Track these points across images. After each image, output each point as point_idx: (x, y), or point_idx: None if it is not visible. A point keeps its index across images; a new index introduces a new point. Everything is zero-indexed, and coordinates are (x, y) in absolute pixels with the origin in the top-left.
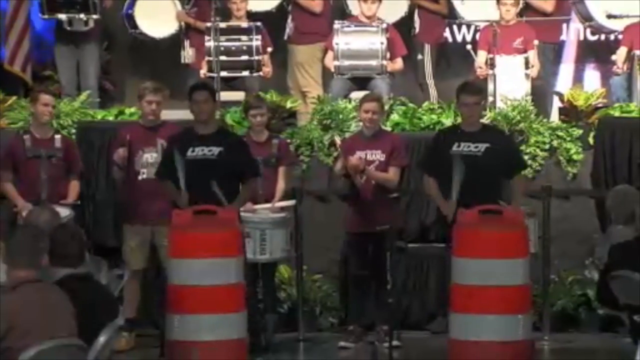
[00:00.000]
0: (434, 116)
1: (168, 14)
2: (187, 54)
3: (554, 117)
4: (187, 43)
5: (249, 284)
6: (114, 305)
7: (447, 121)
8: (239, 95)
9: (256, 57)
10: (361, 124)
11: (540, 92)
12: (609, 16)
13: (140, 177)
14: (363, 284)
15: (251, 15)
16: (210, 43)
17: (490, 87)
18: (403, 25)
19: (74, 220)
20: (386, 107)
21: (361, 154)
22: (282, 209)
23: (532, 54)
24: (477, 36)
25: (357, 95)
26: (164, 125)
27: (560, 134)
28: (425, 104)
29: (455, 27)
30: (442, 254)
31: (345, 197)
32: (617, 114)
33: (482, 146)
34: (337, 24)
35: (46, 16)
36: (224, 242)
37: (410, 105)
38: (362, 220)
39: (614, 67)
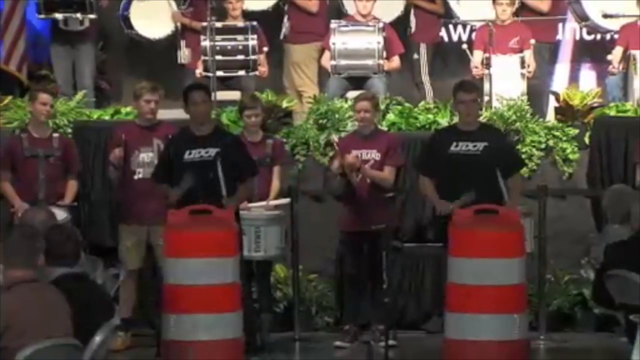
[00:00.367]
0: (430, 116)
1: (164, 15)
2: (183, 54)
3: (550, 116)
4: (183, 43)
5: (243, 283)
6: (109, 305)
7: (443, 121)
8: (235, 95)
9: (252, 57)
10: (357, 123)
11: (536, 91)
12: (605, 16)
13: (136, 177)
14: (359, 283)
15: (247, 15)
16: (206, 42)
17: (486, 86)
18: (399, 25)
19: (71, 222)
20: (382, 107)
21: (357, 153)
22: (277, 207)
23: (528, 54)
24: (473, 36)
25: (353, 94)
26: (160, 124)
27: (556, 133)
28: (421, 103)
29: (451, 27)
30: (438, 254)
31: (340, 197)
32: (612, 113)
33: (481, 145)
34: (333, 24)
35: (43, 16)
36: (219, 241)
37: (406, 104)
38: (358, 220)
39: (609, 67)
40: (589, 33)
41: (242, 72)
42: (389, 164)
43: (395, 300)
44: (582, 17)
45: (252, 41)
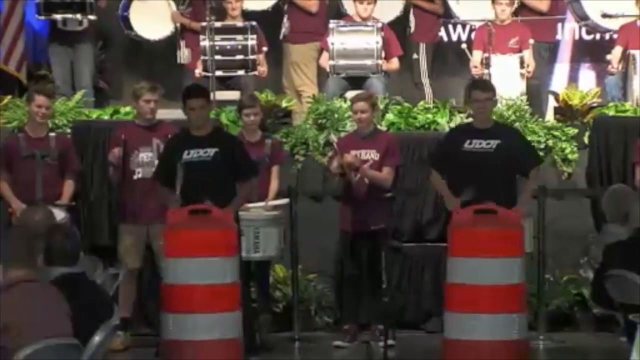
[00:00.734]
0: (429, 115)
1: (163, 16)
2: (183, 54)
3: (549, 116)
4: (182, 43)
5: (242, 283)
6: (109, 305)
7: (442, 120)
8: (234, 95)
9: (251, 57)
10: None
11: (536, 91)
12: (604, 15)
13: (135, 177)
14: (358, 283)
15: (247, 15)
16: (205, 42)
17: None
18: (398, 25)
19: (69, 222)
20: (381, 107)
21: (356, 152)
22: (276, 207)
23: (527, 54)
24: (473, 36)
25: (352, 94)
26: (160, 124)
27: (555, 133)
28: (421, 103)
29: (450, 27)
30: (437, 254)
31: (339, 197)
32: (612, 113)
33: (494, 143)
34: (332, 24)
35: (42, 17)
36: (219, 241)
37: (406, 104)
38: (357, 220)
39: (609, 67)
40: (588, 33)
41: (241, 72)
42: (388, 164)
43: (394, 300)
44: (582, 17)
45: (252, 41)
